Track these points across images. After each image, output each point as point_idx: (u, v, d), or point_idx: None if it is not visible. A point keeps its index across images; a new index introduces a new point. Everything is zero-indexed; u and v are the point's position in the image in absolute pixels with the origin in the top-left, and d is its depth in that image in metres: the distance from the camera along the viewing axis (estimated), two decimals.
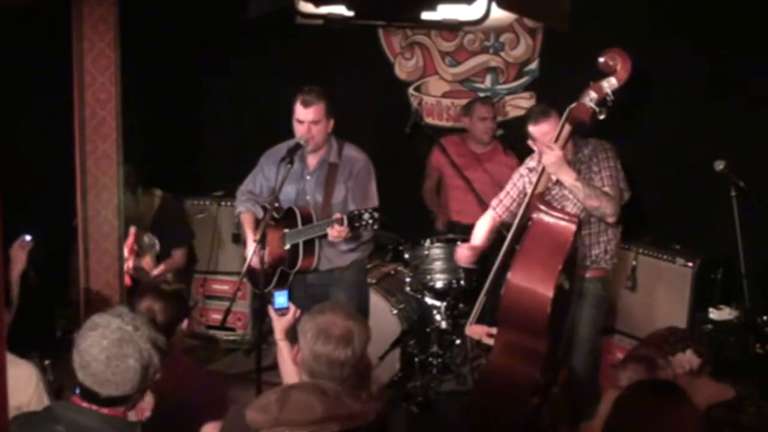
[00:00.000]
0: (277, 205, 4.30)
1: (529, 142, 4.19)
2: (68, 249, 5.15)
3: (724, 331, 4.54)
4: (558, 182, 4.11)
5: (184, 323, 3.20)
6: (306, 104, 4.26)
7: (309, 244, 4.31)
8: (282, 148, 4.40)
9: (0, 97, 4.85)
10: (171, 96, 5.92)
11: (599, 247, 4.20)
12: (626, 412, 2.48)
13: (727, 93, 4.96)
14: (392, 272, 5.50)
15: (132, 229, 5.15)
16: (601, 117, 3.87)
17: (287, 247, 4.34)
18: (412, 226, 5.76)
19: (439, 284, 5.21)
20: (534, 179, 4.05)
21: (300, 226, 4.29)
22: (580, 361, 4.27)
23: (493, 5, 5.71)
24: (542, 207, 3.89)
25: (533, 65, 5.97)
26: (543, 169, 3.97)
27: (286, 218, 4.37)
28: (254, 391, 4.23)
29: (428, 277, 5.23)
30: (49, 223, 4.83)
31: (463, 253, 4.40)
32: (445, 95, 6.21)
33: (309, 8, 5.92)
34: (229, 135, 6.34)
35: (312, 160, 4.41)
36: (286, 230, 4.35)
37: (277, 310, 3.28)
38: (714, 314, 4.62)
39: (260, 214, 4.51)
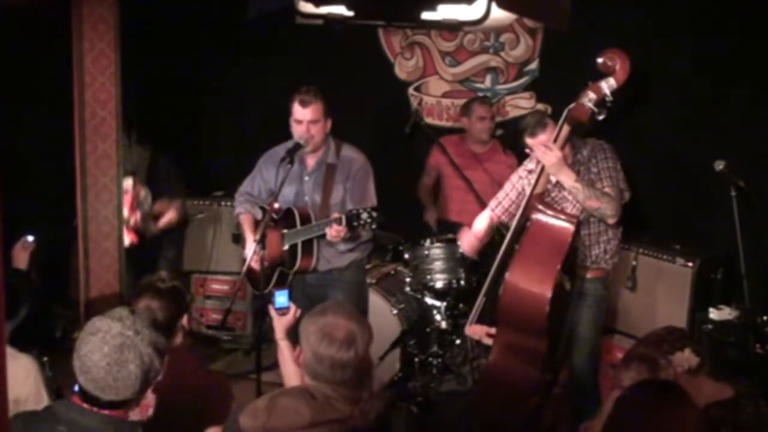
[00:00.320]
0: (277, 206, 4.30)
1: (527, 150, 4.20)
2: (68, 249, 5.16)
3: (724, 331, 4.54)
4: (557, 184, 4.10)
5: (184, 319, 3.19)
6: (304, 104, 4.26)
7: (307, 245, 4.31)
8: (280, 150, 4.40)
9: (0, 97, 4.84)
10: (171, 96, 5.92)
11: (599, 247, 4.19)
12: (627, 412, 2.48)
13: (728, 93, 4.97)
14: (392, 272, 5.49)
15: (129, 181, 5.16)
16: (600, 117, 3.86)
17: (286, 247, 4.34)
18: (412, 226, 5.76)
19: (439, 284, 5.21)
20: (532, 181, 4.05)
21: (299, 227, 4.29)
22: (581, 361, 4.27)
23: (493, 5, 5.71)
24: (541, 207, 3.89)
25: (533, 65, 5.97)
26: (542, 170, 3.97)
27: (284, 219, 4.37)
28: (254, 391, 4.23)
29: (428, 277, 5.23)
30: (49, 223, 4.83)
31: (469, 240, 4.39)
32: (445, 95, 6.22)
33: (309, 8, 5.91)
34: (229, 135, 6.34)
35: (310, 161, 4.41)
36: (285, 231, 4.35)
37: (277, 309, 3.27)
38: (714, 314, 4.63)
39: (259, 215, 4.51)
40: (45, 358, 3.62)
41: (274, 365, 3.36)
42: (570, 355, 4.25)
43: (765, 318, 4.41)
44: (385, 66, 6.28)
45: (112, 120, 3.97)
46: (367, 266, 5.13)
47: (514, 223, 4.04)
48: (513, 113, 5.99)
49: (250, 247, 4.31)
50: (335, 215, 4.09)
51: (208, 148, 6.33)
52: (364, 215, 4.02)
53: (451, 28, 5.95)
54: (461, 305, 5.18)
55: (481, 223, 4.46)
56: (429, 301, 5.28)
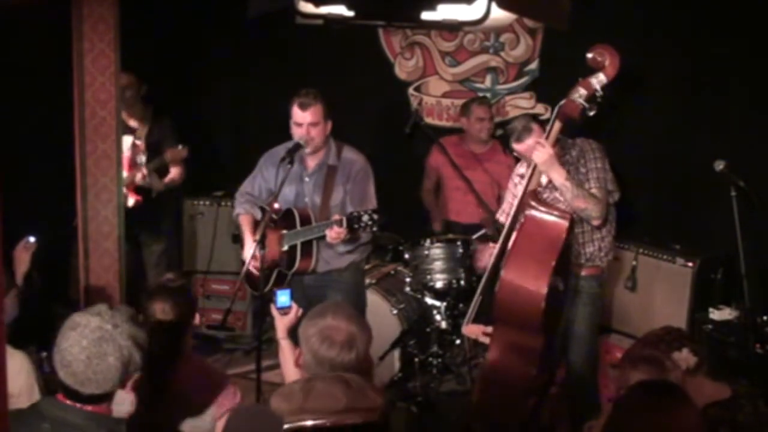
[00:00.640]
0: (277, 206, 4.30)
1: (515, 153, 4.23)
2: (68, 249, 5.15)
3: (724, 331, 4.54)
4: (548, 186, 4.12)
5: (196, 318, 3.20)
6: (303, 107, 4.26)
7: (307, 246, 4.30)
8: (280, 150, 4.40)
9: (0, 97, 4.84)
10: (170, 96, 5.92)
11: (593, 244, 4.21)
12: (627, 412, 2.48)
13: (728, 93, 4.97)
14: (392, 272, 5.49)
15: (130, 140, 5.19)
16: (591, 113, 3.88)
17: (285, 248, 4.34)
18: (412, 226, 5.77)
19: (439, 284, 5.22)
20: (524, 183, 4.06)
21: (298, 228, 4.29)
22: (578, 359, 4.28)
23: (493, 5, 5.71)
24: (534, 204, 3.90)
25: (533, 65, 5.97)
26: (534, 167, 3.98)
27: (284, 219, 4.37)
28: (254, 391, 4.23)
29: (428, 277, 5.23)
30: (49, 223, 4.83)
31: (486, 257, 4.30)
32: (445, 95, 6.21)
33: (309, 8, 5.91)
34: (229, 135, 6.34)
35: (311, 162, 4.41)
36: (285, 231, 4.35)
37: (279, 308, 3.27)
38: (714, 314, 4.63)
39: (259, 215, 4.51)
40: (44, 354, 3.63)
41: (274, 365, 3.36)
42: (567, 353, 4.26)
43: (765, 318, 4.41)
44: (385, 66, 6.28)
45: (112, 120, 3.97)
46: (367, 266, 5.13)
47: (507, 222, 4.06)
48: (513, 113, 5.98)
49: (250, 248, 4.31)
50: (336, 217, 4.08)
51: (208, 148, 6.33)
52: (365, 218, 4.02)
53: (451, 28, 5.95)
54: (461, 305, 5.18)
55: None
56: (429, 301, 5.28)
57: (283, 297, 3.28)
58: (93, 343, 2.25)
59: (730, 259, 4.61)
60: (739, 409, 2.98)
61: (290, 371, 3.15)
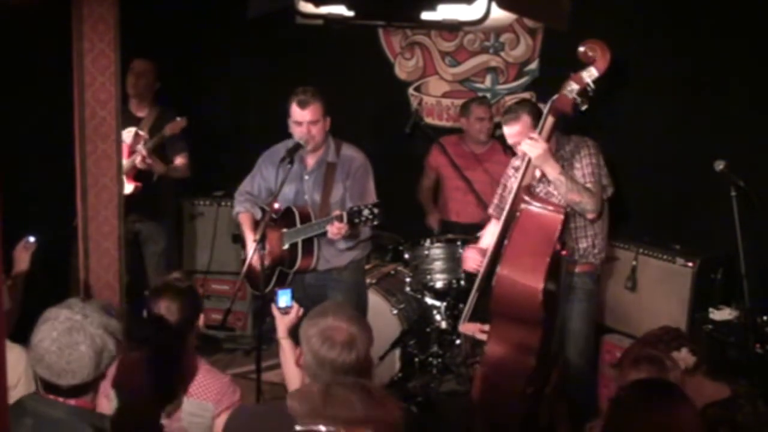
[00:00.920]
0: (277, 206, 4.30)
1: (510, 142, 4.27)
2: (68, 249, 5.15)
3: (724, 331, 4.53)
4: (542, 179, 4.14)
5: (201, 319, 3.21)
6: (303, 105, 4.26)
7: (308, 244, 4.31)
8: (280, 149, 4.40)
9: (0, 97, 4.84)
10: (170, 96, 5.91)
11: (587, 240, 4.25)
12: (625, 411, 2.48)
13: (728, 93, 4.96)
14: (392, 272, 5.50)
15: (132, 130, 5.21)
16: (583, 108, 3.91)
17: (286, 246, 4.34)
18: (412, 226, 5.77)
19: (439, 284, 5.22)
20: (519, 178, 4.07)
21: (298, 226, 4.29)
22: (575, 355, 4.31)
23: (493, 5, 5.71)
24: (528, 199, 3.93)
25: (533, 65, 5.97)
26: (528, 162, 4.00)
27: (284, 218, 4.37)
28: (254, 391, 4.23)
29: (428, 277, 5.23)
30: (49, 223, 4.82)
31: (473, 257, 4.36)
32: (445, 95, 6.22)
33: (309, 8, 5.91)
34: (228, 135, 6.34)
35: (310, 160, 4.41)
36: (285, 230, 4.35)
37: (280, 308, 3.28)
38: (714, 314, 4.62)
39: (258, 214, 4.51)
40: None
41: (274, 365, 3.36)
42: (564, 351, 4.28)
43: (765, 318, 4.41)
44: (385, 66, 6.28)
45: (112, 120, 3.97)
46: (367, 266, 5.14)
47: (502, 218, 4.07)
48: None
49: (250, 247, 4.31)
50: (336, 212, 4.09)
51: (208, 148, 6.33)
52: (366, 212, 4.02)
53: (451, 28, 5.95)
54: (461, 305, 5.17)
55: (489, 234, 4.46)
56: (429, 301, 5.28)
57: (283, 297, 3.29)
58: (63, 334, 2.26)
59: (730, 259, 4.61)
60: (739, 409, 2.98)
61: (291, 371, 3.15)
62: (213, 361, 5.51)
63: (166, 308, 3.03)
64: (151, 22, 5.56)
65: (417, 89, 6.26)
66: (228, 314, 4.75)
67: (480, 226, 5.28)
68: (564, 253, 3.97)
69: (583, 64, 3.91)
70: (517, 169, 4.30)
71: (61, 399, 2.28)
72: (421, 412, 4.89)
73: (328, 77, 5.77)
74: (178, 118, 5.26)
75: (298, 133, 4.30)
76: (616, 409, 2.52)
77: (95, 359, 2.27)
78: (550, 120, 3.96)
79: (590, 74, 3.88)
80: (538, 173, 4.12)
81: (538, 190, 4.14)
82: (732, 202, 4.35)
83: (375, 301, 5.07)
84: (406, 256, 5.45)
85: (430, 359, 5.21)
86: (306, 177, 4.41)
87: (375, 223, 4.09)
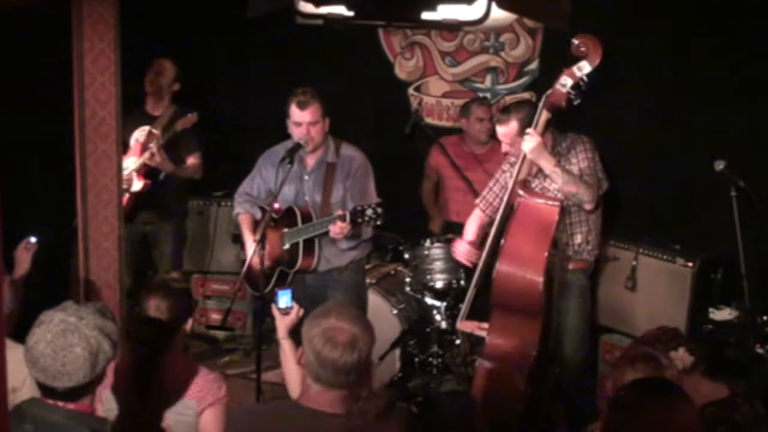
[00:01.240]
0: (277, 206, 4.30)
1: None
2: (68, 249, 5.15)
3: (724, 331, 4.54)
4: (537, 174, 4.18)
5: (188, 323, 3.21)
6: (302, 106, 4.26)
7: (309, 244, 4.31)
8: (279, 150, 4.40)
9: (0, 97, 4.84)
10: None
11: (581, 236, 4.31)
12: (625, 411, 2.48)
13: (728, 93, 4.96)
14: (392, 272, 5.50)
15: (146, 128, 5.21)
16: (576, 102, 3.96)
17: (287, 246, 4.34)
18: (412, 226, 5.77)
19: (439, 284, 5.22)
20: (515, 172, 4.09)
21: (300, 225, 4.29)
22: (572, 352, 4.33)
23: (493, 5, 5.71)
24: (524, 193, 3.97)
25: (533, 65, 5.97)
26: (524, 156, 4.04)
27: (285, 218, 4.37)
28: (254, 391, 4.24)
29: (428, 277, 5.23)
30: (49, 223, 4.83)
31: (463, 248, 4.43)
32: (445, 95, 6.22)
33: (309, 8, 5.91)
34: (228, 135, 6.33)
35: (310, 161, 4.41)
36: (286, 230, 4.35)
37: (280, 309, 3.27)
38: (714, 314, 4.63)
39: (258, 215, 4.51)
40: None
41: (274, 365, 3.36)
42: (561, 348, 4.29)
43: (765, 318, 4.41)
44: (385, 66, 6.28)
45: (112, 120, 3.96)
46: (367, 266, 5.13)
47: (499, 214, 4.10)
48: None
49: (250, 248, 4.31)
50: (339, 212, 4.09)
51: (208, 148, 6.32)
52: (369, 211, 4.02)
53: (451, 28, 5.95)
54: (461, 305, 5.17)
55: (472, 226, 4.52)
56: (429, 301, 5.28)
57: (284, 297, 3.29)
58: (57, 336, 2.25)
59: (730, 259, 4.61)
60: (737, 409, 2.98)
61: (291, 371, 3.15)
62: (213, 361, 5.54)
63: (156, 307, 3.03)
64: (150, 22, 5.57)
65: (417, 89, 6.26)
66: (228, 314, 4.75)
67: (483, 229, 5.29)
68: None
69: (576, 59, 3.94)
70: (512, 164, 4.34)
71: (60, 403, 2.27)
72: (421, 412, 4.89)
73: (328, 77, 5.78)
74: (190, 114, 5.24)
75: (297, 134, 4.30)
76: (616, 408, 2.52)
77: (90, 361, 2.26)
78: (545, 114, 4.01)
79: (583, 68, 3.93)
80: (534, 169, 4.15)
81: (533, 185, 4.19)
82: (732, 202, 4.35)
83: (375, 301, 5.07)
84: (406, 256, 5.44)
85: (430, 359, 5.21)
86: (306, 177, 4.41)
87: (378, 223, 4.10)
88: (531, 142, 3.98)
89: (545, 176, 4.18)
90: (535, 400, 3.93)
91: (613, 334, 5.05)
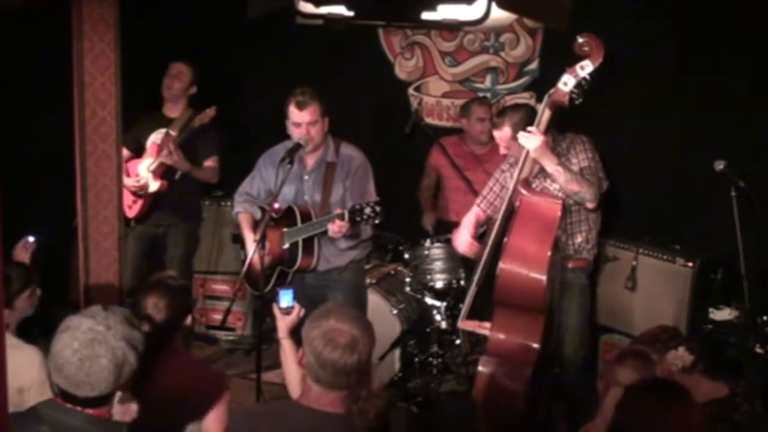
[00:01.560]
0: (277, 206, 4.30)
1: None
2: (68, 249, 5.15)
3: (724, 331, 4.54)
4: (539, 175, 4.19)
5: (188, 319, 3.20)
6: (301, 106, 4.26)
7: (309, 243, 4.31)
8: (279, 150, 4.40)
9: (0, 96, 4.84)
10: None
11: (581, 236, 4.31)
12: (632, 413, 2.48)
13: (728, 92, 4.97)
14: (392, 272, 5.50)
15: (163, 131, 5.21)
16: (578, 101, 3.96)
17: (286, 245, 4.34)
18: (412, 226, 5.76)
19: (439, 284, 5.22)
20: (515, 174, 4.10)
21: (299, 225, 4.29)
22: (572, 351, 4.33)
23: (493, 5, 5.71)
24: (527, 191, 3.98)
25: (533, 65, 5.97)
26: (527, 154, 4.04)
27: (285, 217, 4.37)
28: (254, 391, 4.24)
29: (428, 277, 5.23)
30: (49, 223, 4.83)
31: (465, 239, 4.42)
32: (445, 95, 6.21)
33: (309, 8, 5.91)
34: (228, 135, 6.33)
35: (309, 160, 4.41)
36: (286, 229, 4.35)
37: (281, 308, 3.27)
38: (714, 314, 4.63)
39: (258, 214, 4.51)
40: None
41: (274, 365, 3.36)
42: (561, 347, 4.30)
43: (765, 318, 4.41)
44: (385, 66, 6.28)
45: (112, 120, 3.96)
46: (367, 266, 5.13)
47: (500, 213, 4.11)
48: None
49: (250, 247, 4.31)
50: (338, 211, 4.09)
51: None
52: (368, 210, 4.02)
53: (451, 28, 5.95)
54: (461, 305, 5.17)
55: (469, 220, 4.52)
56: (429, 301, 5.28)
57: (285, 297, 3.29)
58: (85, 345, 2.22)
59: (730, 259, 4.61)
60: (736, 408, 2.99)
61: (291, 371, 3.15)
62: (213, 361, 5.54)
63: (154, 305, 3.01)
64: (150, 22, 5.57)
65: (417, 89, 6.26)
66: (228, 314, 4.75)
67: (481, 226, 5.29)
68: None
69: (579, 57, 3.95)
70: (512, 164, 4.35)
71: (78, 408, 2.25)
72: (421, 412, 4.89)
73: (328, 77, 5.78)
74: (208, 109, 5.21)
75: (296, 134, 4.30)
76: (623, 410, 2.52)
77: (115, 373, 2.24)
78: (547, 113, 4.01)
79: (585, 67, 3.93)
80: (535, 169, 4.16)
81: (534, 185, 4.19)
82: (732, 202, 4.35)
83: (375, 301, 5.07)
84: (406, 256, 5.45)
85: (430, 359, 5.21)
86: (306, 177, 4.41)
87: (376, 221, 4.09)
88: (534, 140, 3.98)
89: (545, 176, 4.18)
90: (535, 400, 3.93)
91: (613, 334, 5.05)
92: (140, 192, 5.21)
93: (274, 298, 3.36)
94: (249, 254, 4.29)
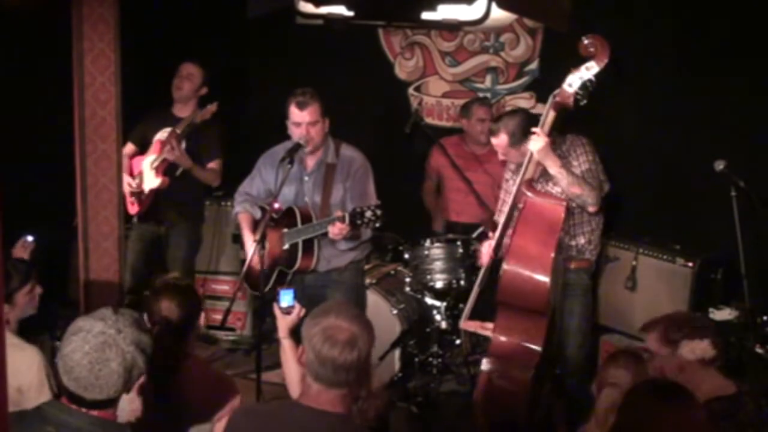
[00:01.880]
0: (277, 206, 4.29)
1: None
2: (68, 249, 5.15)
3: (724, 331, 4.53)
4: (540, 178, 4.18)
5: (201, 317, 3.20)
6: (301, 106, 4.26)
7: (308, 244, 4.30)
8: (279, 150, 4.40)
9: (0, 96, 4.84)
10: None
11: (584, 237, 4.30)
12: (634, 414, 2.47)
13: (728, 92, 4.97)
14: (392, 272, 5.49)
15: (168, 129, 5.19)
16: (583, 103, 3.94)
17: (286, 246, 4.34)
18: (412, 226, 5.76)
19: (439, 284, 5.21)
20: (517, 180, 4.10)
21: (300, 226, 4.29)
22: (574, 351, 4.33)
23: (493, 5, 5.71)
24: (530, 193, 3.98)
25: (533, 65, 5.97)
26: (531, 156, 4.03)
27: (285, 218, 4.37)
28: (254, 391, 4.23)
29: (428, 277, 5.23)
30: (49, 223, 4.83)
31: (489, 252, 4.32)
32: (445, 95, 6.21)
33: (309, 8, 5.92)
34: (228, 135, 6.33)
35: (310, 161, 4.41)
36: (286, 230, 4.35)
37: (282, 308, 3.27)
38: (714, 314, 4.62)
39: (258, 214, 4.50)
40: (57, 342, 3.62)
41: (274, 365, 3.35)
42: (563, 347, 4.29)
43: (765, 318, 4.41)
44: (385, 66, 6.28)
45: (112, 120, 3.97)
46: (367, 266, 5.13)
47: (504, 215, 4.10)
48: None
49: (250, 247, 4.31)
50: (338, 213, 4.08)
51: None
52: (368, 213, 4.01)
53: (451, 28, 5.95)
54: (461, 305, 5.17)
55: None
56: (429, 301, 5.28)
57: (286, 297, 3.28)
58: (95, 348, 2.22)
59: (730, 259, 4.61)
60: (742, 407, 2.97)
61: (291, 371, 3.15)
62: (213, 361, 5.54)
63: (168, 308, 3.01)
64: (150, 23, 5.57)
65: (417, 89, 6.26)
66: (228, 314, 4.75)
67: (480, 226, 5.29)
68: None
69: (584, 59, 3.93)
70: (513, 172, 4.35)
71: (83, 409, 2.26)
72: (421, 412, 4.89)
73: (328, 77, 5.77)
74: (209, 105, 5.19)
75: (296, 134, 4.30)
76: (626, 412, 2.52)
77: (124, 377, 2.24)
78: (552, 114, 3.99)
79: (591, 68, 3.92)
80: (537, 172, 4.15)
81: (537, 188, 4.17)
82: (732, 202, 4.35)
83: (375, 301, 5.07)
84: (406, 256, 5.44)
85: (430, 359, 5.20)
86: (306, 178, 4.41)
87: (377, 225, 4.09)
88: (538, 142, 3.97)
89: (547, 179, 4.17)
90: (536, 400, 3.92)
91: (613, 334, 5.05)
92: (137, 191, 5.20)
93: (274, 298, 3.35)
94: (248, 255, 4.29)
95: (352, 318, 2.48)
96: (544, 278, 3.78)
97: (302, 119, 4.27)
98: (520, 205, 3.97)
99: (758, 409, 3.06)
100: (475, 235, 5.22)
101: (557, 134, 4.26)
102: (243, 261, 4.46)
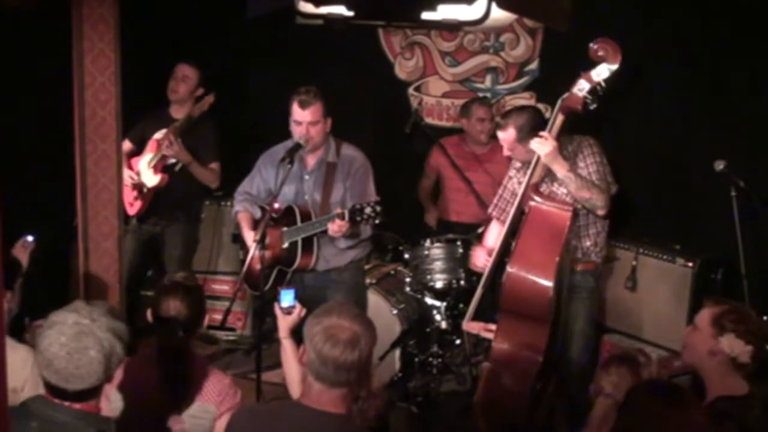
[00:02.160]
0: (277, 205, 4.29)
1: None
2: (68, 249, 5.14)
3: None
4: (546, 178, 4.15)
5: (206, 319, 3.21)
6: (304, 105, 4.26)
7: (308, 242, 4.30)
8: (279, 149, 4.40)
9: (0, 96, 4.84)
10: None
11: (589, 239, 4.27)
12: (635, 415, 2.47)
13: (728, 92, 4.97)
14: (392, 272, 5.49)
15: (163, 130, 5.18)
16: (593, 107, 3.92)
17: (286, 245, 4.34)
18: (412, 226, 5.77)
19: (439, 284, 5.22)
20: (522, 179, 4.08)
21: (299, 224, 4.29)
22: (577, 354, 4.31)
23: (493, 5, 5.71)
24: (537, 197, 3.95)
25: (533, 65, 5.97)
26: (538, 160, 4.01)
27: (285, 217, 4.37)
28: (254, 391, 4.23)
29: (428, 277, 5.23)
30: (49, 223, 4.83)
31: (481, 255, 4.36)
32: (445, 95, 6.22)
33: (309, 8, 5.92)
34: (228, 135, 6.33)
35: (310, 160, 4.41)
36: (285, 228, 4.35)
37: (282, 308, 3.27)
38: None
39: (258, 214, 4.51)
40: None
41: (274, 365, 3.35)
42: (566, 350, 4.28)
43: (765, 318, 4.41)
44: (385, 66, 6.28)
45: (112, 120, 3.97)
46: (367, 266, 5.14)
47: (509, 218, 4.09)
48: None
49: (250, 246, 4.30)
50: (338, 210, 4.08)
51: None
52: (368, 210, 4.02)
53: (451, 28, 5.95)
54: (461, 305, 5.18)
55: (494, 232, 4.47)
56: (429, 301, 5.28)
57: (287, 296, 3.28)
58: (72, 339, 2.25)
59: (730, 259, 4.61)
60: (749, 409, 2.93)
61: (292, 371, 3.15)
62: (213, 361, 5.54)
63: (175, 307, 3.01)
64: (150, 23, 5.57)
65: (417, 89, 6.26)
66: (228, 314, 4.75)
67: (481, 226, 5.29)
68: None
69: (594, 63, 3.91)
70: (518, 169, 4.33)
71: (66, 403, 2.27)
72: (421, 412, 4.89)
73: (328, 77, 5.77)
74: (206, 96, 5.16)
75: (297, 132, 4.30)
76: (625, 418, 2.51)
77: (104, 363, 2.27)
78: (560, 118, 3.97)
79: (601, 73, 3.89)
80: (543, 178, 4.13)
81: (542, 189, 4.15)
82: (732, 202, 4.35)
83: (375, 301, 5.07)
84: (406, 256, 5.44)
85: (430, 359, 5.20)
86: (306, 177, 4.41)
87: (376, 221, 4.09)
88: (546, 145, 3.94)
89: (553, 181, 4.15)
90: (537, 402, 3.92)
91: (614, 334, 5.05)
92: (137, 184, 5.20)
93: (273, 297, 3.35)
94: (249, 254, 4.29)
95: (354, 318, 2.48)
96: (548, 285, 3.75)
97: (303, 118, 4.27)
98: (526, 210, 3.94)
99: (765, 413, 3.00)
100: (474, 235, 5.22)
101: (564, 135, 4.23)
102: (242, 261, 4.46)
